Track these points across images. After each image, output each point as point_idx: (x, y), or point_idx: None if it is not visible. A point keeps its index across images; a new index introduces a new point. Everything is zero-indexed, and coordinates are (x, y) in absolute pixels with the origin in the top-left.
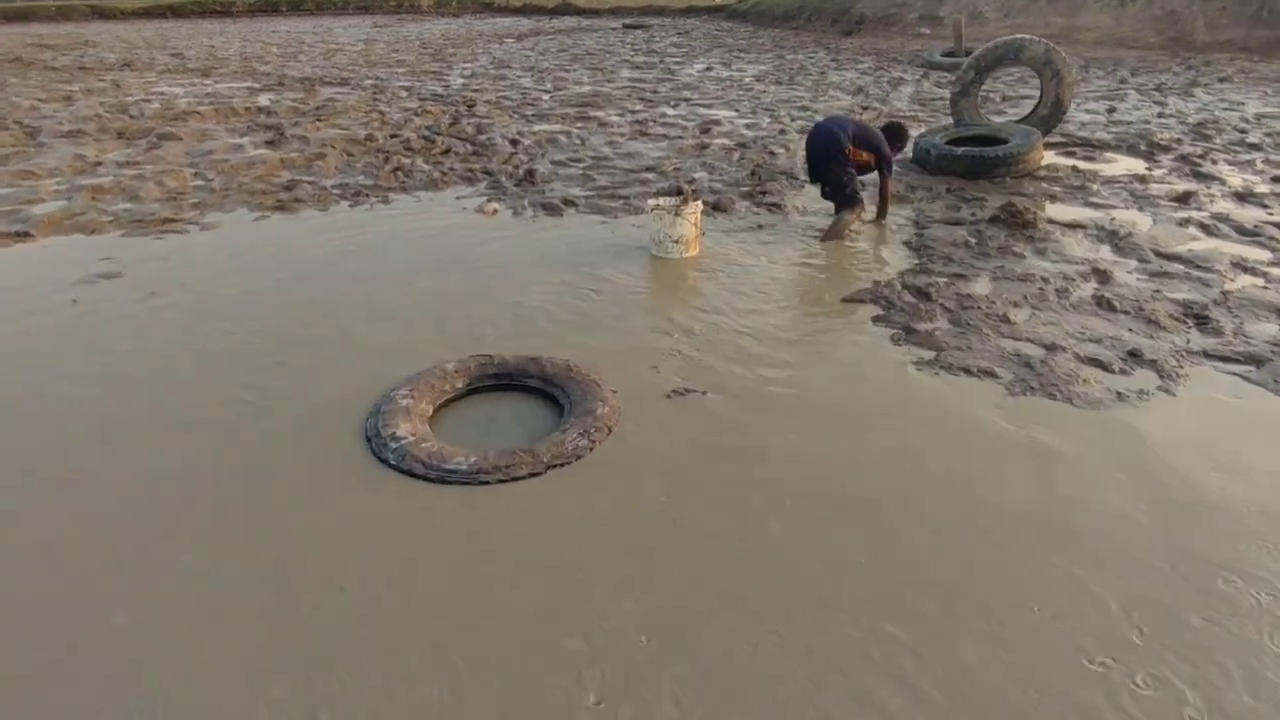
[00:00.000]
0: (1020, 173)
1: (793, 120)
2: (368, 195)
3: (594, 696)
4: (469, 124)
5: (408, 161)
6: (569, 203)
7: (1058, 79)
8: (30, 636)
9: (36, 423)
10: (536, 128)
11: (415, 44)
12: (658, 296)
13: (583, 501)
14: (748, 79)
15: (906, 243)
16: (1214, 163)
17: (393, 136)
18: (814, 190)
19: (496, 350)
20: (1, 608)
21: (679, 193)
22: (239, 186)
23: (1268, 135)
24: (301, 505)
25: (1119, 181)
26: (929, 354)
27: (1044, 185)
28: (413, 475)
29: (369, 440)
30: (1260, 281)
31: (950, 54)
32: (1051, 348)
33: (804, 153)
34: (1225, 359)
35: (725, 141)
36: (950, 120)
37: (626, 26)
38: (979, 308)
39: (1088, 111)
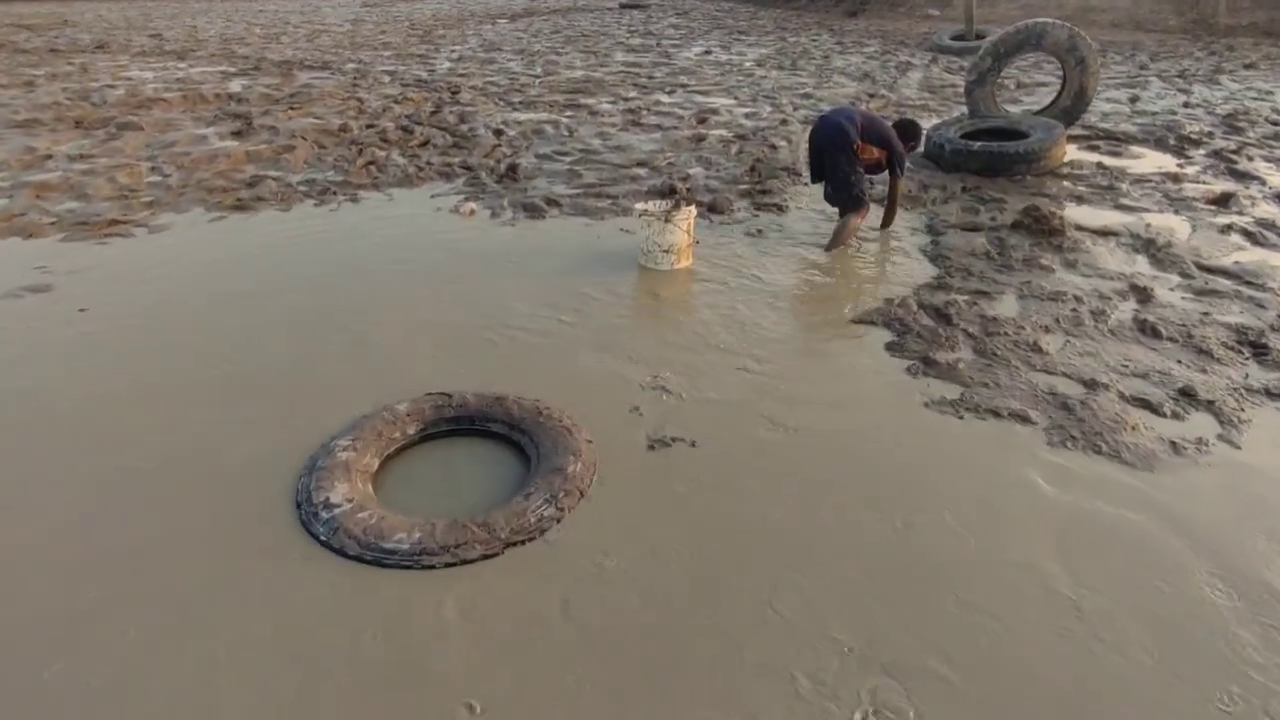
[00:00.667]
0: (1042, 170)
1: (795, 109)
2: (336, 193)
3: None
4: (451, 113)
5: (383, 154)
6: (552, 202)
7: (1082, 67)
8: None
9: None
10: (523, 117)
11: (404, 25)
12: (644, 318)
13: (540, 603)
14: (748, 63)
15: (921, 251)
16: (1250, 159)
17: (369, 126)
18: (818, 189)
19: (458, 384)
20: None
21: (672, 192)
22: (197, 183)
23: None
24: (206, 594)
25: (1150, 180)
26: (952, 391)
27: (1068, 184)
28: (344, 555)
29: (299, 507)
30: None
31: (960, 37)
32: (1092, 385)
33: (806, 148)
34: None
35: (723, 133)
36: (964, 111)
37: (623, 6)
38: (1006, 333)
39: (1109, 100)
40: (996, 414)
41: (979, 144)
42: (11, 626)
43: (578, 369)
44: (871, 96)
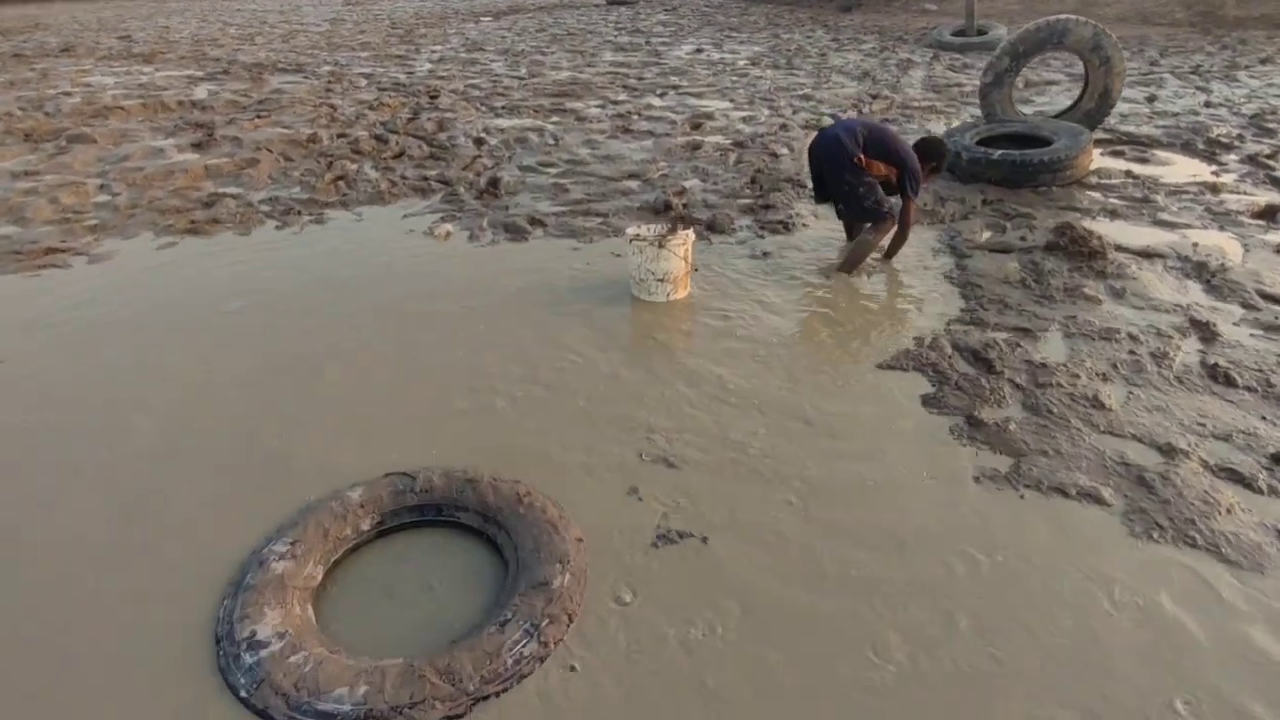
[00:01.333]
0: (1067, 180)
1: (795, 112)
2: (300, 212)
3: None
4: (429, 120)
5: (353, 168)
6: (536, 222)
7: (1107, 66)
8: None
9: None
10: (505, 123)
11: (385, 24)
12: (638, 367)
13: None
14: (742, 62)
15: (946, 278)
16: None
17: (340, 136)
18: (827, 205)
19: (421, 458)
20: None
21: (667, 208)
22: (149, 203)
23: None
24: None
25: (1186, 191)
26: (1005, 462)
27: (1098, 196)
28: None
29: (218, 643)
30: None
31: (961, 33)
32: (1169, 451)
33: (807, 167)
34: None
35: (719, 139)
36: (978, 114)
37: (611, 3)
38: (1059, 384)
39: (1125, 100)
40: (1063, 492)
41: (999, 152)
42: None
43: (563, 435)
44: (874, 97)
